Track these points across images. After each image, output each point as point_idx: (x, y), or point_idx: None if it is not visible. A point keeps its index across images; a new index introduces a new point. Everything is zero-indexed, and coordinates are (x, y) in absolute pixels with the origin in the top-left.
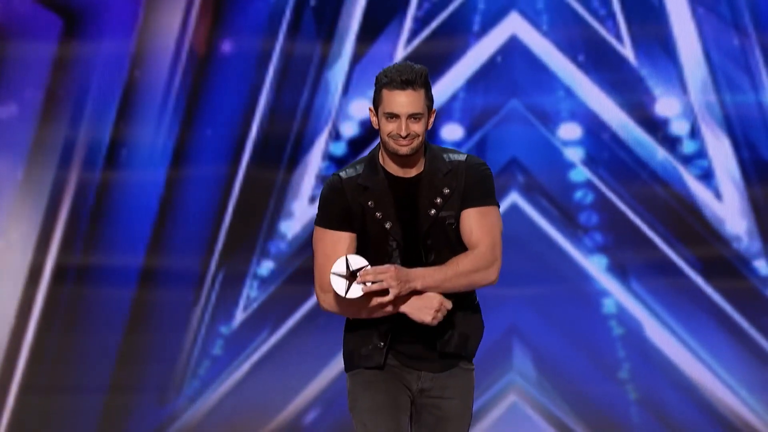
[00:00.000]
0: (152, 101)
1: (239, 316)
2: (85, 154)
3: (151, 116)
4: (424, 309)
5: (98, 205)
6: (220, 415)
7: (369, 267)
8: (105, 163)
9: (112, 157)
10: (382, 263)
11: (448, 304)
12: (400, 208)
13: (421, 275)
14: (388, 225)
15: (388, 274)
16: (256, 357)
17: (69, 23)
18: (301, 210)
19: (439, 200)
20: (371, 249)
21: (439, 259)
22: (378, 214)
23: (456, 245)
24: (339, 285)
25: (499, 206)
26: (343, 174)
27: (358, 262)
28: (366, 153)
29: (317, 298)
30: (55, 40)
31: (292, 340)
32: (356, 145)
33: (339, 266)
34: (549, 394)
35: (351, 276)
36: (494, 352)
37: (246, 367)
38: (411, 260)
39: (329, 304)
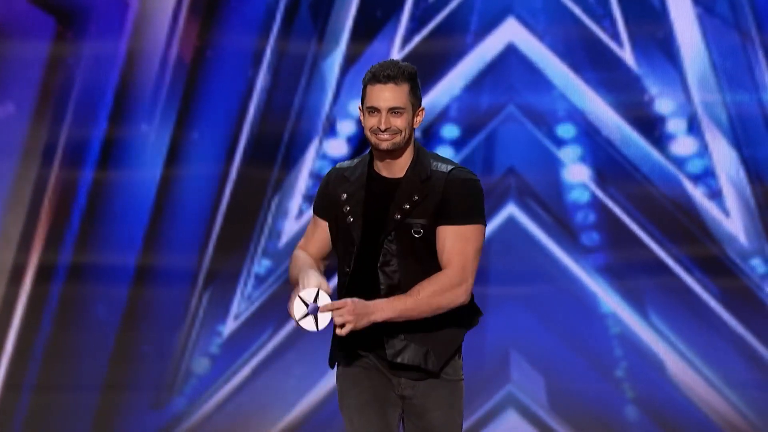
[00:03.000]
0: (146, 100)
1: (237, 314)
2: (78, 153)
3: (144, 115)
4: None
5: (93, 204)
6: (220, 414)
7: (328, 301)
8: (99, 162)
9: (105, 156)
10: (346, 258)
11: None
12: (369, 206)
13: (380, 308)
14: (350, 219)
15: (345, 309)
16: (255, 356)
17: (62, 23)
18: (296, 208)
19: (407, 206)
20: (340, 242)
21: (403, 268)
22: (346, 208)
23: (424, 256)
24: (298, 310)
25: (484, 224)
26: (339, 164)
27: (324, 298)
28: (361, 153)
29: None
30: (48, 40)
31: (294, 340)
32: (353, 144)
33: (308, 294)
34: (547, 399)
35: (312, 308)
36: (492, 355)
37: (245, 366)
38: (366, 261)
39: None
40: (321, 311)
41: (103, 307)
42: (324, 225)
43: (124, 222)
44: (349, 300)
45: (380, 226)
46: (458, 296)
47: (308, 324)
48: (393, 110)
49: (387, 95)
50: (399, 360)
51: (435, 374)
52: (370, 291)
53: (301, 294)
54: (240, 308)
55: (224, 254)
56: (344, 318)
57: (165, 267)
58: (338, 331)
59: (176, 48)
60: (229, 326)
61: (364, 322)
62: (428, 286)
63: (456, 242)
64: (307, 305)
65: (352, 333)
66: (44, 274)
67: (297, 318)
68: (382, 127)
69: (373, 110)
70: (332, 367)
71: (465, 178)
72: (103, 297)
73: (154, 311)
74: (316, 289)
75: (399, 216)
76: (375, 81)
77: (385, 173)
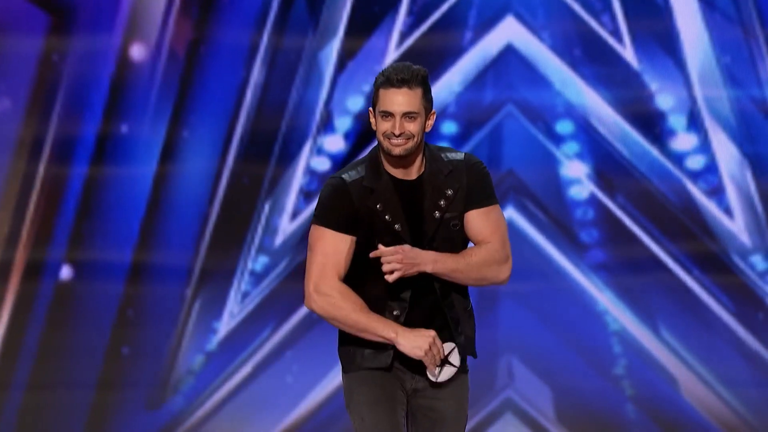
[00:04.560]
0: (140, 95)
1: (233, 311)
2: (73, 149)
3: (139, 110)
4: (416, 349)
5: (87, 200)
6: (217, 413)
7: (457, 361)
8: (93, 158)
9: (100, 151)
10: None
11: (440, 344)
12: (406, 210)
13: (432, 260)
14: (397, 227)
15: (396, 257)
16: (253, 355)
17: (55, 18)
18: (292, 205)
19: (442, 202)
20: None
21: None
22: (387, 217)
23: (460, 247)
24: (431, 372)
25: (499, 204)
26: (345, 176)
27: (455, 358)
28: (359, 149)
29: (307, 297)
30: (41, 36)
31: (293, 339)
32: (350, 140)
33: (447, 348)
34: (546, 398)
35: (443, 362)
36: (490, 355)
37: (242, 364)
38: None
39: (320, 307)
40: (372, 254)
41: (98, 304)
42: (350, 240)
43: (119, 218)
44: (401, 247)
45: (418, 227)
46: (503, 272)
47: (431, 372)
48: (407, 115)
49: (401, 99)
50: (466, 353)
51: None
52: (425, 293)
53: (444, 345)
54: (236, 305)
55: (220, 251)
56: (392, 266)
57: (160, 264)
58: (387, 277)
59: (171, 42)
60: (225, 323)
61: (412, 271)
62: (480, 254)
63: (488, 222)
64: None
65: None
66: (36, 270)
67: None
68: (396, 132)
69: (387, 114)
70: (346, 372)
71: (478, 161)
72: (99, 294)
73: (150, 308)
74: (454, 346)
75: (439, 214)
76: (389, 85)
77: (399, 176)
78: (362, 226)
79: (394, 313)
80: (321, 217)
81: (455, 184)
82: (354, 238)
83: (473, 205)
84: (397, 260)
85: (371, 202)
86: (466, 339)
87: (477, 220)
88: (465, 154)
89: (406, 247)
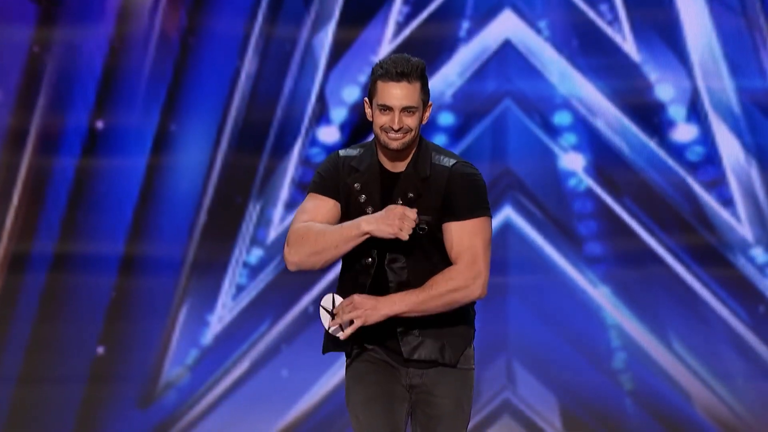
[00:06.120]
0: (131, 86)
1: (226, 304)
2: (64, 141)
3: (130, 101)
4: (385, 225)
5: (79, 192)
6: (213, 408)
7: (339, 302)
8: (84, 150)
9: (91, 143)
10: (361, 249)
11: (411, 213)
12: (383, 198)
13: (392, 301)
14: (369, 210)
15: (354, 314)
16: (251, 349)
17: (45, 8)
18: (287, 196)
19: (400, 203)
20: None
21: (412, 264)
22: (362, 198)
23: (431, 251)
24: (325, 319)
25: (489, 216)
26: (342, 151)
27: (339, 301)
28: (354, 140)
29: (285, 258)
30: (31, 26)
31: (291, 334)
32: (345, 131)
33: (327, 301)
34: (544, 395)
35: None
36: (488, 354)
37: (238, 358)
38: (386, 252)
39: (294, 252)
40: (335, 314)
41: (89, 297)
42: (332, 204)
43: (112, 210)
44: (354, 296)
45: None
46: (473, 291)
47: (337, 332)
48: (406, 109)
49: (400, 94)
50: (416, 356)
51: (447, 364)
52: (380, 287)
53: (322, 303)
54: (229, 298)
55: (213, 243)
56: (348, 316)
57: (153, 255)
58: (346, 331)
59: (162, 31)
60: (218, 316)
61: (375, 317)
62: (441, 281)
63: (464, 237)
64: (330, 313)
65: (363, 327)
66: (23, 262)
67: (328, 329)
68: (395, 127)
69: (386, 108)
70: (324, 353)
71: (467, 172)
72: (90, 286)
73: (142, 300)
74: (332, 295)
75: None
76: (387, 78)
77: (388, 166)
78: (341, 197)
79: None
80: (311, 185)
81: (422, 188)
82: (338, 204)
83: (451, 217)
84: (350, 309)
85: (350, 180)
86: (431, 344)
87: (452, 233)
88: (459, 162)
89: (356, 295)
